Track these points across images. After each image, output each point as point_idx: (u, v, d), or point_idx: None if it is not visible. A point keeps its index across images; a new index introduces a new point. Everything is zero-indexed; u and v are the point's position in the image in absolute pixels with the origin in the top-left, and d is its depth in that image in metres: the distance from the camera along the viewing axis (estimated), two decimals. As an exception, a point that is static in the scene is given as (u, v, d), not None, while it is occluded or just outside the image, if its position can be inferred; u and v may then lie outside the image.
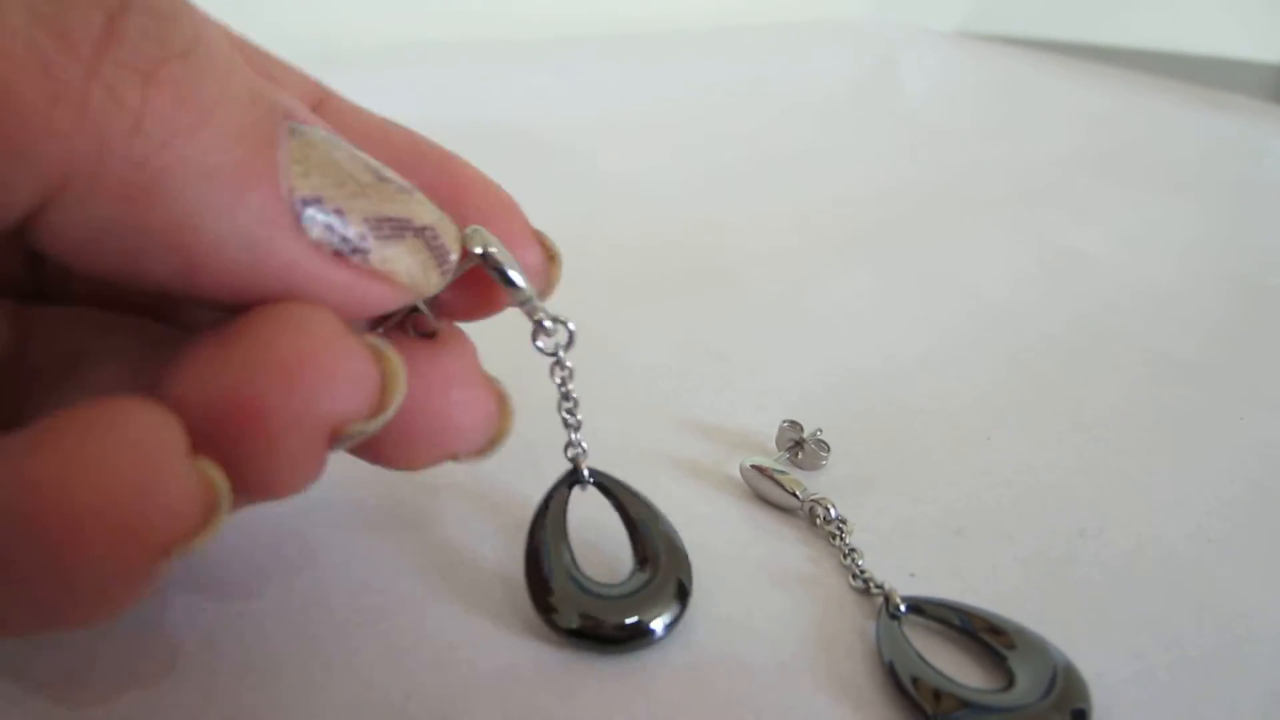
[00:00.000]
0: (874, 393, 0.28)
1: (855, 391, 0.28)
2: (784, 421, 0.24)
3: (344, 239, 0.13)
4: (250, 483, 0.13)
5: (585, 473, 0.20)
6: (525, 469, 0.22)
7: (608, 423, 0.24)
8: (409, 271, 0.14)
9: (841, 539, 0.21)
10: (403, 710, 0.17)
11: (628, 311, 0.32)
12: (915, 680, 0.17)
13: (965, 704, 0.17)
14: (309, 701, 0.17)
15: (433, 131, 0.18)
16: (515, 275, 0.16)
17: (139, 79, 0.11)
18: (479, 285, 0.17)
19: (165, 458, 0.11)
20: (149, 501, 0.11)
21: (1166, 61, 0.86)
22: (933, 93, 0.71)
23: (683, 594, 0.19)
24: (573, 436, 0.20)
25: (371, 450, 0.16)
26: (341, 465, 0.17)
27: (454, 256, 0.15)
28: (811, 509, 0.22)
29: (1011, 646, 0.18)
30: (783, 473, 0.23)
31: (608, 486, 0.20)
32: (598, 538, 0.21)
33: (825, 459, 0.24)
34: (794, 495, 0.22)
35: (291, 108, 0.13)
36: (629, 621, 0.18)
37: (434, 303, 0.17)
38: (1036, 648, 0.18)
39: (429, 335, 0.17)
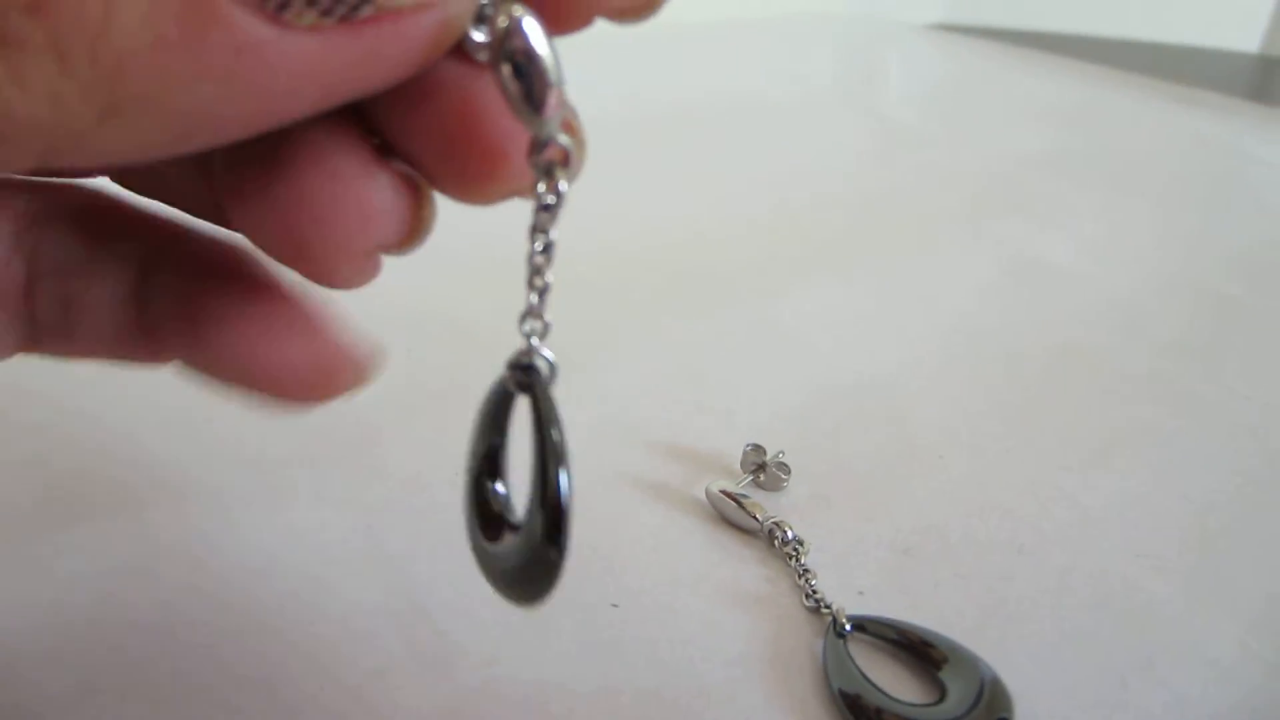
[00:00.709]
0: (838, 410, 0.30)
1: (821, 409, 0.30)
2: (748, 445, 0.26)
3: None
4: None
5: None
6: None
7: (581, 447, 0.26)
8: None
9: (798, 560, 0.23)
10: None
11: (600, 331, 0.33)
12: (857, 697, 0.19)
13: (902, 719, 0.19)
14: None
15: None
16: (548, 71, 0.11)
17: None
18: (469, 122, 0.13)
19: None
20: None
21: (1146, 51, 0.88)
22: (906, 92, 0.72)
23: None
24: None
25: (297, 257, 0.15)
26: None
27: None
28: (771, 531, 0.24)
29: (944, 661, 0.20)
30: (745, 496, 0.24)
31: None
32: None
33: (786, 481, 0.26)
34: (754, 518, 0.24)
35: None
36: None
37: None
38: (967, 662, 0.20)
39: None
